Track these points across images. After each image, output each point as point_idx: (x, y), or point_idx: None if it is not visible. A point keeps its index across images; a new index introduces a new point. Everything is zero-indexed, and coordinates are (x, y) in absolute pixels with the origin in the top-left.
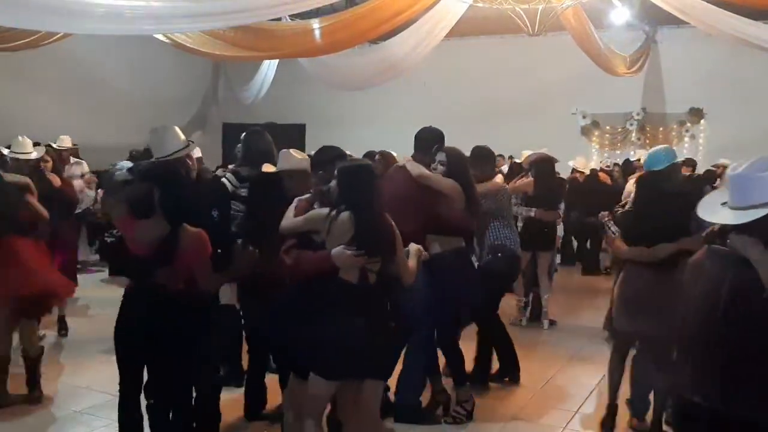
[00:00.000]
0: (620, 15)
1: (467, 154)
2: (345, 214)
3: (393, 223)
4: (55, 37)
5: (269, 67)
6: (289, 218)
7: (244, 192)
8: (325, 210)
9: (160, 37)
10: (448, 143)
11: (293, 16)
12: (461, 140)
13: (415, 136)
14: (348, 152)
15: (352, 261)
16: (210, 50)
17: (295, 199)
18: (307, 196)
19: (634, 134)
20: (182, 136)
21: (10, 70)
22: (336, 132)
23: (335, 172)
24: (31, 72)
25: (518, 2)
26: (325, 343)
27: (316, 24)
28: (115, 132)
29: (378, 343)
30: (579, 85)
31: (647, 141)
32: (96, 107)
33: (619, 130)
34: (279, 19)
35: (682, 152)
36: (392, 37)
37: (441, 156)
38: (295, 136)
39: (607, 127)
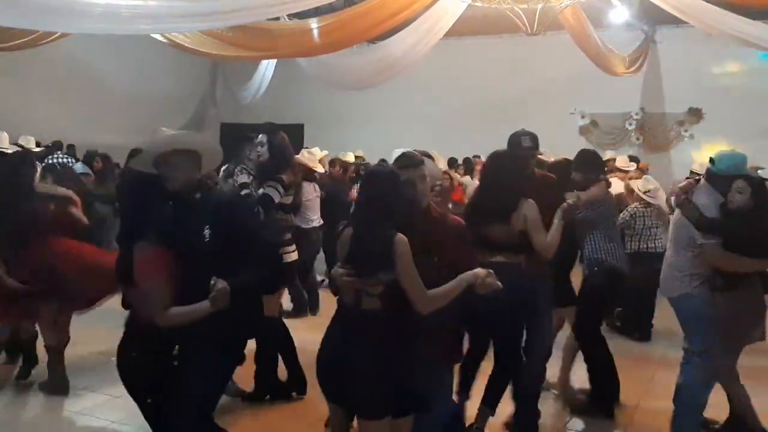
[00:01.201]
0: (619, 14)
1: (481, 154)
2: (349, 229)
3: (401, 240)
4: (53, 37)
5: (267, 67)
6: None
7: (289, 200)
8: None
9: (158, 37)
10: (445, 143)
11: (291, 16)
12: (459, 140)
13: None
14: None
15: (342, 281)
16: (208, 50)
17: None
18: None
19: (633, 134)
20: (159, 144)
21: (9, 70)
22: (335, 132)
23: None
24: (31, 72)
25: (517, 1)
26: (320, 358)
27: (314, 23)
28: (113, 132)
29: (367, 379)
30: (578, 85)
31: (646, 141)
32: (94, 107)
33: (618, 130)
34: (277, 19)
35: (682, 153)
36: (391, 37)
37: None
38: (293, 136)
39: (606, 127)
